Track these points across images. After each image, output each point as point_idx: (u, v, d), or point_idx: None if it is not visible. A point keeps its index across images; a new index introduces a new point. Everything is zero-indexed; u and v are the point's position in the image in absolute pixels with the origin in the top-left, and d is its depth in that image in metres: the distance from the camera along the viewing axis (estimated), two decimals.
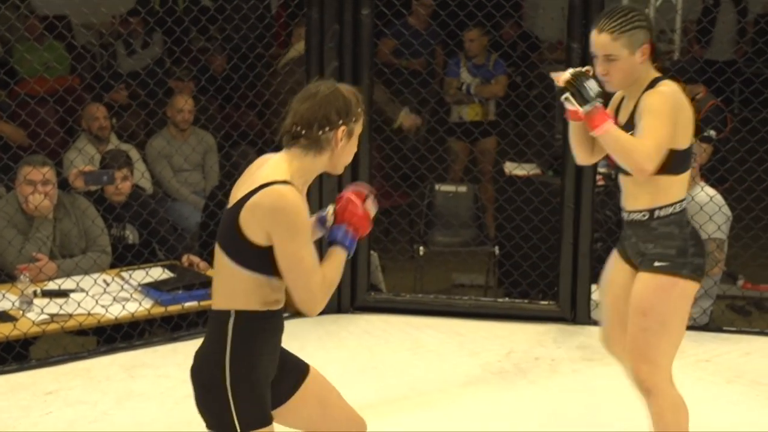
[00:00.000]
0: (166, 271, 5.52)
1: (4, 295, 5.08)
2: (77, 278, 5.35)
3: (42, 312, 5.00)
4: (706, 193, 5.61)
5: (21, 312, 5.03)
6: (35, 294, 5.13)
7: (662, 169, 3.44)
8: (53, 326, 5.00)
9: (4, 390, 4.72)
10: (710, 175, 5.96)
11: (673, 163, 3.45)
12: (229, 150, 6.37)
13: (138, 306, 5.20)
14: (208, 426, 2.97)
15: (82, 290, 5.22)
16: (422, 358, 5.12)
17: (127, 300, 5.21)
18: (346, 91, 2.98)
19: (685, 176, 3.54)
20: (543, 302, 5.70)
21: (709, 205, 5.56)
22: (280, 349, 3.07)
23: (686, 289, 3.52)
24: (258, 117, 6.62)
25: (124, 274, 5.47)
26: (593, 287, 5.66)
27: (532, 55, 7.03)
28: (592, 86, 3.41)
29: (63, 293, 5.19)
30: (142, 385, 4.81)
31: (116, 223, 5.73)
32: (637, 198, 3.56)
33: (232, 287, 2.93)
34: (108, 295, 5.19)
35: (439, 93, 7.48)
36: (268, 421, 2.96)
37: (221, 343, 2.91)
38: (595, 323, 5.58)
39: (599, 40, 3.44)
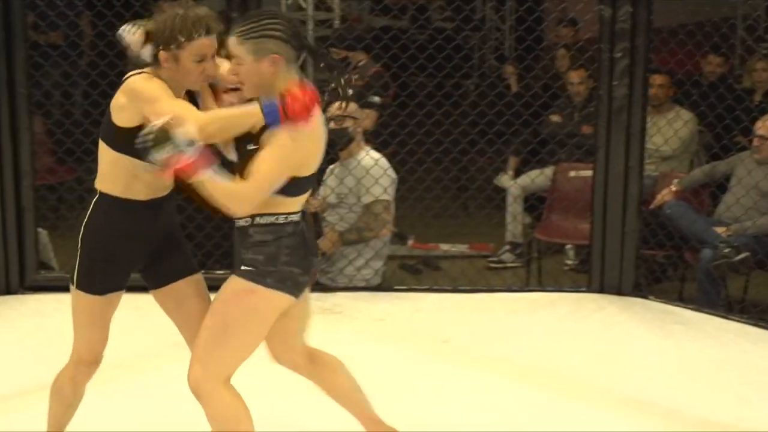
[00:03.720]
0: None
1: None
2: None
3: None
4: (371, 157, 5.77)
5: None
6: None
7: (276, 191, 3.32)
8: None
9: None
10: (374, 139, 6.13)
11: (290, 188, 3.33)
12: None
13: None
14: None
15: None
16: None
17: None
18: (183, 15, 3.25)
19: (302, 198, 3.43)
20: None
21: (374, 169, 5.72)
22: (157, 241, 3.47)
23: (266, 299, 3.34)
24: None
25: None
26: None
27: None
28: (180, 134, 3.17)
29: None
30: None
31: None
32: None
33: (102, 171, 3.37)
34: None
35: None
36: (97, 291, 3.43)
37: (85, 213, 3.42)
38: None
39: (229, 41, 3.36)
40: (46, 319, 5.17)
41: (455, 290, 5.77)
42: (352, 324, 5.25)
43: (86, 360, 3.57)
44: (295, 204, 3.38)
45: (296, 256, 3.36)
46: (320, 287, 5.72)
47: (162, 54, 3.27)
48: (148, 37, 3.33)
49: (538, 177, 6.76)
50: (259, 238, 3.33)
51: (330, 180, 5.90)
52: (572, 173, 6.52)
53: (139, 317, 5.11)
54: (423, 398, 4.33)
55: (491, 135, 6.48)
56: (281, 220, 3.35)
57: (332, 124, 5.70)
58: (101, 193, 3.39)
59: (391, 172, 5.81)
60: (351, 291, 5.70)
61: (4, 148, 5.40)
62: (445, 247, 6.97)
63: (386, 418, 3.75)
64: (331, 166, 5.92)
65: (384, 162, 5.79)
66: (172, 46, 3.25)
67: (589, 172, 5.86)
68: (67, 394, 3.61)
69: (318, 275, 5.82)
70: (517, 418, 4.18)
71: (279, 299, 3.35)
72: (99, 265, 3.41)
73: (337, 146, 5.73)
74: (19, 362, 4.66)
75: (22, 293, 5.46)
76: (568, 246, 6.69)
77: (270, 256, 3.32)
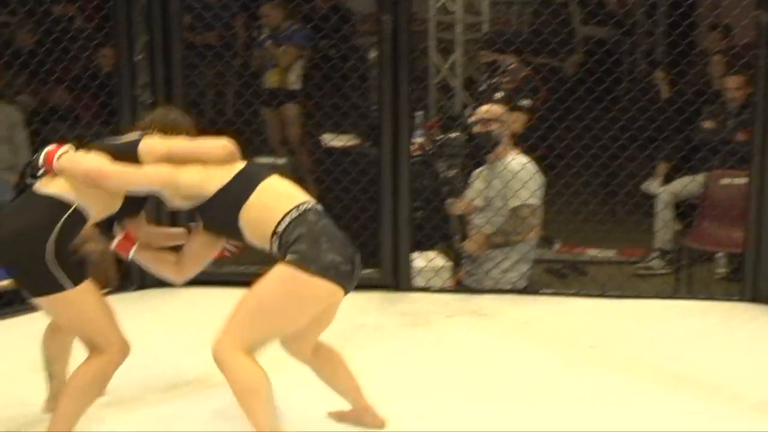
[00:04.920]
0: None
1: None
2: None
3: None
4: (518, 161, 5.74)
5: None
6: None
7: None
8: None
9: None
10: (523, 143, 6.09)
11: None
12: (38, 126, 6.18)
13: None
14: None
15: None
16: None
17: None
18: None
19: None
20: (365, 270, 5.72)
21: (521, 173, 5.69)
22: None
23: (310, 285, 3.44)
24: (68, 92, 6.43)
25: None
26: (414, 255, 5.76)
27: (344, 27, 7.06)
28: None
29: None
30: None
31: None
32: None
33: None
34: None
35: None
36: None
37: None
38: (416, 289, 5.70)
39: None
40: (198, 312, 5.29)
41: (602, 296, 5.70)
42: (496, 326, 5.23)
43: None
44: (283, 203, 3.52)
45: (335, 244, 3.47)
46: (466, 289, 5.73)
47: None
48: None
49: (689, 184, 6.64)
50: (294, 235, 3.46)
51: (477, 183, 5.89)
52: (725, 180, 6.37)
53: None
54: (568, 402, 4.28)
55: (641, 140, 6.39)
56: (294, 215, 3.49)
57: (478, 127, 5.70)
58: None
59: (539, 176, 5.77)
60: (496, 294, 5.68)
61: None
62: (592, 251, 6.89)
63: (528, 418, 3.76)
64: (478, 170, 5.91)
65: (531, 166, 5.75)
66: None
67: (742, 180, 5.74)
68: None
69: (464, 277, 5.82)
70: (668, 428, 4.09)
71: (323, 287, 3.44)
72: None
73: (484, 149, 5.73)
74: (170, 352, 4.76)
75: (176, 287, 5.56)
76: (719, 254, 6.54)
77: (312, 243, 3.43)
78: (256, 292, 3.48)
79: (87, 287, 3.56)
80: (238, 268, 5.65)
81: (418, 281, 5.75)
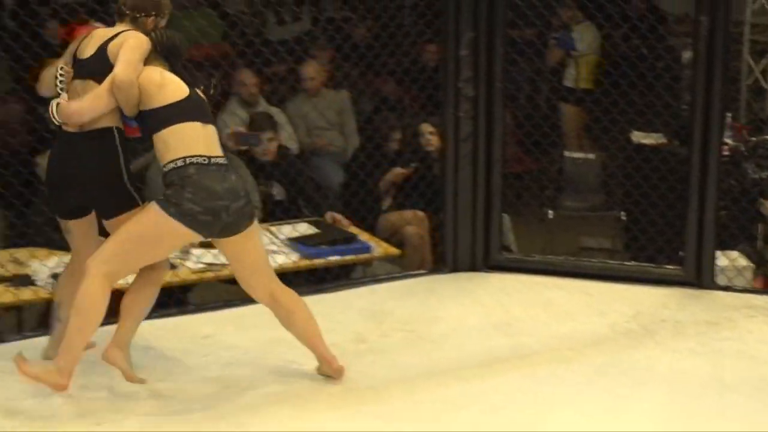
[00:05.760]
0: (311, 226, 5.88)
1: None
2: None
3: (198, 261, 5.41)
4: None
5: (180, 260, 5.43)
6: (192, 244, 5.52)
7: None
8: (209, 274, 5.41)
9: (167, 331, 5.05)
10: None
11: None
12: (371, 115, 6.67)
13: (285, 258, 5.58)
14: None
15: None
16: (553, 316, 5.34)
17: (275, 252, 5.57)
18: None
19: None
20: (669, 267, 5.89)
21: None
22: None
23: (160, 220, 4.09)
24: (398, 85, 6.89)
25: (273, 229, 5.85)
26: (718, 253, 5.84)
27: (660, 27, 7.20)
28: None
29: None
30: (287, 332, 5.10)
31: (265, 180, 6.11)
32: None
33: None
34: None
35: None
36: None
37: None
38: (719, 288, 5.79)
39: None
40: (506, 297, 5.59)
41: None
42: None
43: None
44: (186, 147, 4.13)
45: (199, 196, 4.07)
46: None
47: None
48: None
49: None
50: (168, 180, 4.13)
51: None
52: None
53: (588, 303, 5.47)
54: None
55: None
56: (179, 164, 4.11)
57: None
58: None
59: None
60: None
61: (479, 137, 5.85)
62: None
63: None
64: None
65: None
66: None
67: None
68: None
69: None
70: None
71: (178, 229, 4.10)
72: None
73: None
74: (480, 334, 5.11)
75: (485, 271, 5.91)
76: None
77: (177, 191, 4.08)
78: (126, 225, 4.15)
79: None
80: (546, 258, 5.93)
81: (721, 280, 5.85)
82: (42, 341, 4.62)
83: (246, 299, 5.17)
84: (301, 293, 5.43)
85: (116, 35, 4.25)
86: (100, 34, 4.31)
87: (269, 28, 8.19)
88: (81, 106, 4.16)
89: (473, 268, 5.90)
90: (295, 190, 6.14)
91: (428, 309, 5.35)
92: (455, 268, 5.95)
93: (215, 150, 4.22)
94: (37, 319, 5.34)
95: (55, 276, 5.01)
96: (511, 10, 6.21)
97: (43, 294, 5.10)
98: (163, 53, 4.29)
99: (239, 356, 4.78)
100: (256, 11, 8.07)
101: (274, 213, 6.02)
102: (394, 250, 5.97)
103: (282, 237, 5.75)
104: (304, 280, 5.75)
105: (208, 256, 5.43)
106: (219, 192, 4.13)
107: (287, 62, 6.84)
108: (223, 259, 5.37)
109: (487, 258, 5.93)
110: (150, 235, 4.15)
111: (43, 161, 4.85)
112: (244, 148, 6.09)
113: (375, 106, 6.80)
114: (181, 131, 4.16)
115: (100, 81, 4.18)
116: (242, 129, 6.19)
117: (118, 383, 4.32)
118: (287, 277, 5.62)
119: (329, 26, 7.25)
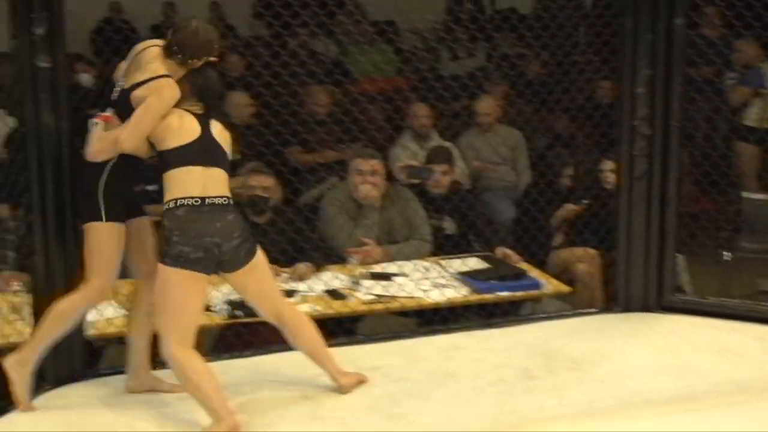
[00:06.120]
0: (481, 261, 5.89)
1: (336, 275, 5.58)
2: (400, 263, 5.80)
3: (368, 292, 5.46)
4: None
5: (350, 291, 5.50)
6: (363, 276, 5.60)
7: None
8: (379, 306, 5.45)
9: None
10: None
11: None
12: (543, 152, 6.66)
13: (455, 292, 5.59)
14: None
15: (404, 275, 5.67)
16: (727, 360, 5.20)
17: (445, 286, 5.61)
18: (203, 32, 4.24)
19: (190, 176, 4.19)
20: None
21: None
22: None
23: (169, 274, 4.14)
24: (571, 121, 6.87)
25: (443, 262, 5.87)
26: None
27: None
28: None
29: (387, 276, 5.64)
30: (456, 366, 5.06)
31: (436, 214, 6.15)
32: None
33: None
34: (427, 281, 5.61)
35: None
36: None
37: None
38: None
39: None
40: (678, 339, 5.47)
41: None
42: None
43: None
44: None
45: (186, 236, 4.11)
46: None
47: None
48: None
49: None
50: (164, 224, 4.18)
51: None
52: None
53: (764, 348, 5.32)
54: None
55: None
56: (171, 205, 4.16)
57: None
58: None
59: None
60: None
61: (654, 175, 5.76)
62: None
63: None
64: None
65: None
66: None
67: None
68: None
69: None
70: None
71: (181, 274, 4.14)
72: None
73: None
74: (650, 375, 5.01)
75: (658, 312, 5.79)
76: None
77: (167, 239, 4.15)
78: (155, 298, 4.24)
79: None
80: (721, 300, 5.80)
81: None
82: (214, 365, 4.72)
83: (416, 331, 5.22)
84: (470, 328, 5.53)
85: (146, 81, 4.20)
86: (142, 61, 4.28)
87: (443, 64, 8.27)
88: (92, 151, 4.28)
89: (646, 308, 5.79)
90: (466, 225, 6.16)
91: (598, 348, 5.28)
92: (627, 308, 5.84)
93: (215, 191, 4.24)
94: (212, 343, 5.46)
95: (230, 303, 5.13)
96: (690, 47, 6.13)
97: (218, 319, 5.22)
98: (197, 94, 4.32)
99: (407, 388, 4.79)
100: (429, 47, 8.16)
101: (444, 247, 6.04)
102: (564, 288, 5.93)
103: (452, 271, 5.78)
104: (474, 315, 5.74)
105: (378, 287, 5.49)
106: (209, 230, 4.18)
107: (461, 97, 6.88)
108: (393, 291, 5.44)
109: (660, 298, 5.81)
110: (172, 293, 4.20)
111: None
112: (415, 181, 6.16)
113: (548, 143, 6.78)
114: (179, 175, 4.22)
115: (122, 119, 4.26)
116: (414, 162, 6.26)
117: None
118: (457, 311, 5.67)
119: (503, 62, 7.28)
